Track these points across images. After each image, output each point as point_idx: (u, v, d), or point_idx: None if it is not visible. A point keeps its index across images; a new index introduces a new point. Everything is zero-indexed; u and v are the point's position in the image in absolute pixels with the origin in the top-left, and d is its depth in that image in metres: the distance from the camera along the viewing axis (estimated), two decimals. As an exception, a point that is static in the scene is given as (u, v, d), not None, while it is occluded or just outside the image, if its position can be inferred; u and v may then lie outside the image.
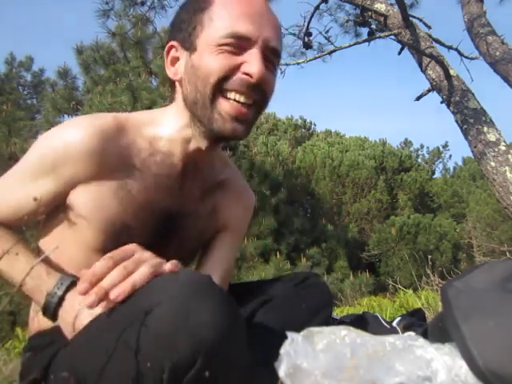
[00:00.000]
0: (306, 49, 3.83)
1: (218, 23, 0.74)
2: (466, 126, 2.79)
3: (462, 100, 2.86)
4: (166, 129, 0.83)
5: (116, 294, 0.63)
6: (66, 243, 0.80)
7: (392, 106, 49.99)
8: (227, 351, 0.62)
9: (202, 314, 0.59)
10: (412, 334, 0.80)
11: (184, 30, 0.78)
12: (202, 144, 0.83)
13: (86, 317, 0.67)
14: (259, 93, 0.78)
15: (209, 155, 0.88)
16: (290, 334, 0.67)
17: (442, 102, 3.05)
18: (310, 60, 3.34)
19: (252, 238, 5.41)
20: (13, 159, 3.93)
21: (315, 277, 1.01)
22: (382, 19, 3.28)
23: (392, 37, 3.15)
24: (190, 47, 0.77)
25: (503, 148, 2.63)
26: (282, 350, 0.65)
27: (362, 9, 3.42)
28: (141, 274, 0.64)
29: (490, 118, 2.79)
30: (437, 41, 3.39)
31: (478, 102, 2.87)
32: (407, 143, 18.41)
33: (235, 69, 0.74)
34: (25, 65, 12.63)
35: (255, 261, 5.27)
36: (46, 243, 0.84)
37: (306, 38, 3.76)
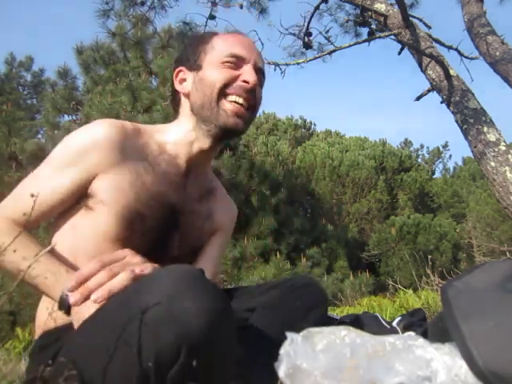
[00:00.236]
0: (306, 49, 3.83)
1: (219, 48, 0.98)
2: (466, 126, 2.79)
3: (461, 100, 2.86)
4: (172, 135, 1.00)
5: (95, 296, 0.70)
6: (82, 235, 0.88)
7: (392, 106, 50.02)
8: (214, 342, 0.65)
9: (189, 305, 0.62)
10: (412, 333, 0.80)
11: (191, 58, 1.00)
12: (205, 144, 0.99)
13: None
14: (253, 98, 0.98)
15: (208, 158, 1.05)
16: (290, 335, 0.67)
17: (442, 102, 3.05)
18: (310, 60, 3.34)
19: (252, 238, 5.40)
20: (13, 159, 3.94)
21: (309, 278, 1.09)
22: (382, 19, 3.28)
23: (392, 37, 3.15)
24: (196, 68, 0.98)
25: (503, 148, 2.63)
26: (282, 351, 0.65)
27: (362, 9, 3.42)
28: (119, 279, 0.71)
29: (490, 118, 2.79)
30: (437, 41, 3.39)
31: (477, 102, 2.87)
32: (407, 143, 18.41)
33: (235, 78, 0.95)
34: (25, 65, 12.64)
35: (255, 261, 5.27)
36: (61, 236, 0.91)
37: (306, 38, 3.77)
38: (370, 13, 3.46)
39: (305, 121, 16.79)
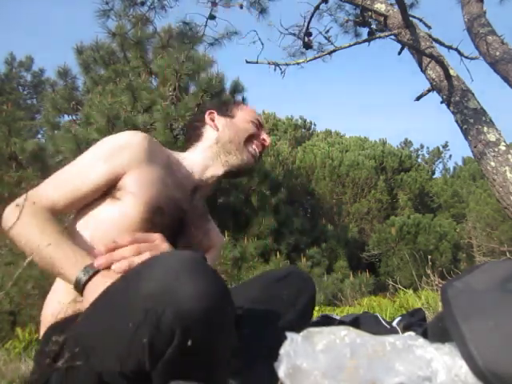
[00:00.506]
0: (306, 49, 3.83)
1: (249, 112, 1.29)
2: (466, 126, 2.79)
3: (462, 100, 2.86)
4: (190, 155, 1.20)
5: (115, 266, 0.83)
6: (105, 224, 0.98)
7: (392, 106, 50.01)
8: (210, 325, 0.68)
9: (188, 285, 0.67)
10: (412, 333, 0.80)
11: (223, 109, 1.29)
12: (218, 171, 1.20)
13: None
14: (263, 150, 1.29)
15: (211, 186, 1.23)
16: (290, 335, 0.67)
17: (442, 102, 3.05)
18: (310, 60, 3.34)
19: (252, 238, 5.40)
20: (13, 159, 3.93)
21: (292, 267, 1.23)
22: (381, 19, 3.28)
23: (392, 37, 3.15)
24: (229, 116, 1.26)
25: (503, 148, 2.63)
26: (282, 351, 0.65)
27: (362, 9, 3.42)
28: (142, 258, 0.83)
29: (490, 118, 2.79)
30: (437, 41, 3.39)
31: (477, 102, 2.87)
32: (407, 143, 18.40)
33: (258, 135, 1.26)
34: (25, 65, 12.63)
35: (255, 261, 5.27)
36: (83, 224, 0.99)
37: (306, 38, 3.76)
38: (370, 13, 3.46)
39: (305, 121, 16.79)
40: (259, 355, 0.86)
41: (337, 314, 2.36)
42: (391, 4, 3.30)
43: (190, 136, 1.27)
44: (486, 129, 2.70)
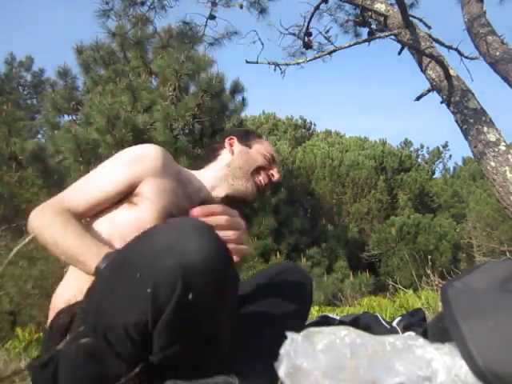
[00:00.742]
0: (306, 49, 3.82)
1: (267, 147, 1.36)
2: (466, 126, 2.79)
3: (462, 100, 2.86)
4: (202, 173, 1.28)
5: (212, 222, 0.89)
6: (121, 225, 1.04)
7: (392, 106, 49.99)
8: (211, 280, 0.73)
9: (193, 241, 0.73)
10: (412, 333, 0.80)
11: (244, 138, 1.36)
12: (221, 193, 1.25)
13: None
14: (268, 187, 1.33)
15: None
16: (290, 334, 0.67)
17: (442, 102, 3.05)
18: (310, 60, 3.34)
19: (252, 238, 5.41)
20: (13, 159, 3.93)
21: (287, 263, 1.32)
22: (381, 19, 3.28)
23: (392, 37, 3.15)
24: (246, 144, 1.33)
25: (503, 148, 2.63)
26: (282, 350, 0.65)
27: (362, 9, 3.42)
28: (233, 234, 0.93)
29: (490, 118, 2.79)
30: (437, 41, 3.39)
31: (477, 102, 2.87)
32: (407, 143, 18.40)
33: (268, 168, 1.32)
34: (25, 65, 12.62)
35: (255, 261, 5.27)
36: (100, 225, 1.06)
37: (306, 38, 3.76)
38: (369, 13, 3.46)
39: (305, 121, 16.78)
40: (259, 354, 0.86)
41: (337, 314, 2.36)
42: (391, 4, 3.30)
43: (207, 156, 1.36)
44: (486, 129, 2.70)
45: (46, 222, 0.99)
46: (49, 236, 0.98)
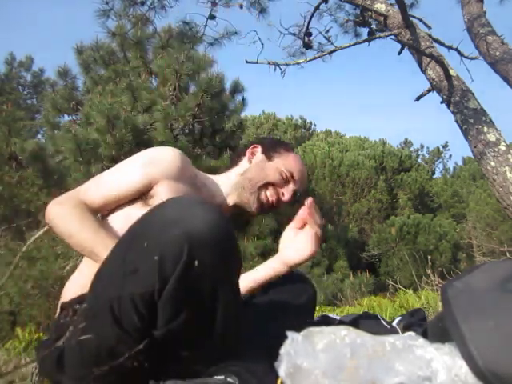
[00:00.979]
0: (306, 49, 3.82)
1: (288, 163, 1.25)
2: (466, 126, 2.79)
3: (462, 100, 2.86)
4: (220, 178, 1.26)
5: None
6: (133, 221, 1.02)
7: (392, 106, 49.96)
8: (216, 250, 0.76)
9: (198, 212, 0.77)
10: (412, 333, 0.80)
11: (270, 149, 1.28)
12: (230, 202, 1.22)
13: None
14: (277, 205, 1.25)
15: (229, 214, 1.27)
16: (291, 334, 0.67)
17: (442, 102, 3.05)
18: (310, 60, 3.33)
19: (252, 238, 5.40)
20: (13, 159, 3.93)
21: (297, 272, 1.27)
22: (381, 19, 3.28)
23: (392, 37, 3.15)
24: (267, 156, 1.27)
25: (503, 148, 2.63)
26: (283, 350, 0.65)
27: (362, 9, 3.42)
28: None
29: (490, 118, 2.79)
30: (437, 41, 3.39)
31: (477, 102, 2.87)
32: (407, 143, 18.40)
33: (280, 186, 1.23)
34: (25, 65, 12.62)
35: (255, 261, 5.26)
36: (114, 220, 1.09)
37: (306, 38, 3.76)
38: (370, 13, 3.46)
39: (305, 121, 16.80)
40: (259, 354, 0.87)
41: (337, 314, 2.36)
42: (391, 4, 3.30)
43: (232, 160, 1.35)
44: (486, 129, 2.70)
45: (63, 213, 1.03)
46: (65, 228, 1.02)
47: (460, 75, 3.01)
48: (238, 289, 0.91)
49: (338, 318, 1.45)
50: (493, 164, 2.60)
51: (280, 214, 6.30)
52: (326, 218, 8.93)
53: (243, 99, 5.80)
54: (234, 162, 1.31)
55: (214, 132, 5.44)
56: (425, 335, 0.76)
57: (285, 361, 0.64)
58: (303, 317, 1.14)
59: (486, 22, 3.25)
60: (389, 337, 0.68)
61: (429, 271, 2.74)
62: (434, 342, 0.68)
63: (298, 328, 0.70)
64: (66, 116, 5.56)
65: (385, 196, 11.19)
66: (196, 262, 0.73)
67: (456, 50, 3.41)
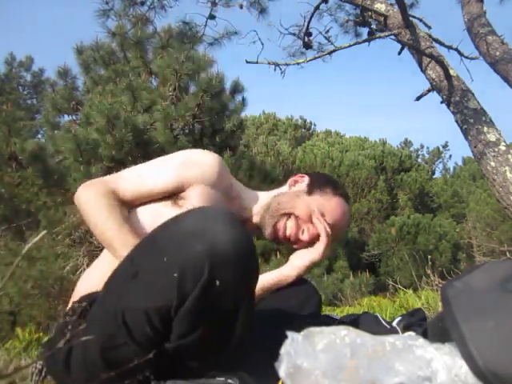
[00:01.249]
0: (306, 49, 3.82)
1: (328, 208, 1.17)
2: (466, 126, 2.79)
3: (462, 100, 2.86)
4: (260, 194, 1.23)
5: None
6: (160, 220, 0.96)
7: (392, 106, 50.00)
8: (239, 268, 0.73)
9: (220, 228, 0.74)
10: (412, 333, 0.80)
11: (315, 185, 1.21)
12: (255, 220, 1.18)
13: None
14: (288, 237, 1.17)
15: (254, 231, 1.23)
16: (291, 334, 0.67)
17: (442, 102, 3.05)
18: (310, 60, 3.33)
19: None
20: (13, 159, 3.93)
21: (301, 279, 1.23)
22: (381, 19, 3.28)
23: (392, 37, 3.15)
24: (308, 190, 1.20)
25: (503, 148, 2.63)
26: (283, 350, 0.65)
27: (362, 9, 3.42)
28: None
29: (490, 118, 2.79)
30: (437, 41, 3.39)
31: (477, 102, 2.87)
32: (407, 143, 18.40)
33: (300, 220, 1.16)
34: (25, 65, 12.62)
35: (255, 261, 5.25)
36: (143, 215, 1.07)
37: (306, 38, 3.76)
38: (370, 13, 3.46)
39: (305, 121, 16.79)
40: (259, 354, 0.86)
41: (337, 313, 2.36)
42: (391, 4, 3.30)
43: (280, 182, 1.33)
44: (486, 129, 2.70)
45: (93, 199, 1.02)
46: (92, 214, 1.01)
47: (460, 75, 3.01)
48: (254, 304, 0.88)
49: (338, 317, 1.45)
50: (493, 164, 2.60)
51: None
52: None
53: (243, 99, 5.80)
54: (281, 184, 1.27)
55: (214, 132, 5.44)
56: (425, 335, 0.76)
57: (285, 361, 0.64)
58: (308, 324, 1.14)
59: (486, 21, 3.25)
60: (389, 337, 0.68)
61: (429, 271, 2.74)
62: (433, 341, 0.68)
63: (299, 329, 0.70)
64: (66, 116, 5.55)
65: (385, 196, 11.19)
66: (217, 282, 0.70)
67: (456, 50, 3.41)
